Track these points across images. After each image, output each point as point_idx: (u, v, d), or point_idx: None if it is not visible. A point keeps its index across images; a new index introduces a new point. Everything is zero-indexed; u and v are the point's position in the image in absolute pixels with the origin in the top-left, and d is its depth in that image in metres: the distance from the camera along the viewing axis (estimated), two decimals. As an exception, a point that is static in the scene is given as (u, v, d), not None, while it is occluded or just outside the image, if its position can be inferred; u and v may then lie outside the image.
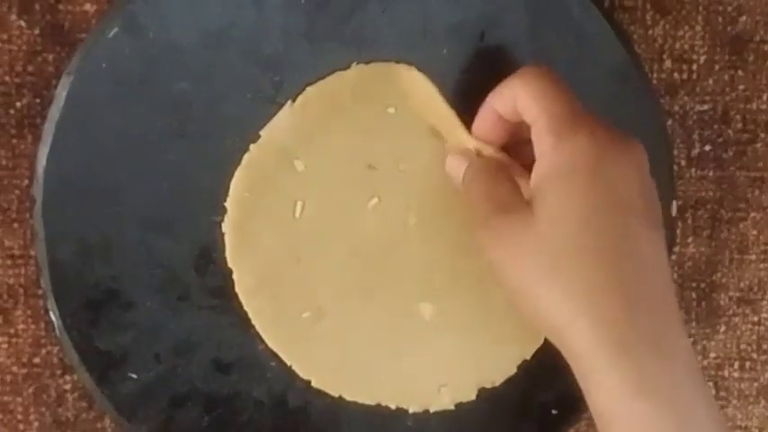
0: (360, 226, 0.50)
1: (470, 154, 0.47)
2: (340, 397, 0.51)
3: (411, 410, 0.52)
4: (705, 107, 0.55)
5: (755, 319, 0.57)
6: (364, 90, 0.49)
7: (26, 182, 0.52)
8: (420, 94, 0.48)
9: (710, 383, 0.58)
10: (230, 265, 0.50)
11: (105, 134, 0.49)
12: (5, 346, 0.54)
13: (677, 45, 0.54)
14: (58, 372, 0.54)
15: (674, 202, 0.51)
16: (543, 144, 0.43)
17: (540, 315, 0.42)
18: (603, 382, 0.40)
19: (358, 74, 0.48)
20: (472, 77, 0.49)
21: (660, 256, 0.42)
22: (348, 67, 0.48)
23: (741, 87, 0.55)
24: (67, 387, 0.54)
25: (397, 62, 0.49)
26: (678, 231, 0.55)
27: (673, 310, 0.42)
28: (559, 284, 0.41)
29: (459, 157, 0.47)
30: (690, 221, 0.56)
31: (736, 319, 0.57)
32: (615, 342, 0.40)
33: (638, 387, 0.39)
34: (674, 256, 0.55)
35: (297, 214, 0.49)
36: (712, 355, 0.57)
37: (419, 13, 0.49)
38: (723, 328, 0.57)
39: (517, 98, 0.44)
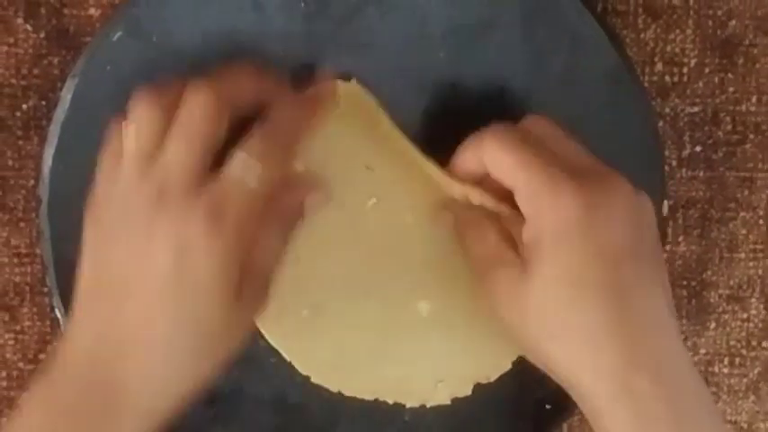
0: (358, 225, 0.50)
1: (455, 207, 0.48)
2: (339, 392, 0.52)
3: (408, 405, 0.52)
4: (696, 109, 0.55)
5: (744, 316, 0.57)
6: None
7: (32, 182, 0.53)
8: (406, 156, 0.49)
9: (701, 379, 0.59)
10: (232, 262, 0.51)
11: (110, 135, 0.49)
12: (12, 342, 0.54)
13: (668, 48, 0.54)
14: (64, 368, 0.55)
15: (665, 202, 0.52)
16: (528, 209, 0.43)
17: (548, 367, 0.44)
18: (610, 418, 0.42)
19: (345, 89, 0.48)
20: (469, 80, 0.49)
21: (654, 293, 0.43)
22: (348, 75, 0.48)
23: (731, 90, 0.55)
24: (72, 383, 0.55)
25: (395, 68, 0.49)
26: (669, 230, 0.56)
27: (673, 342, 0.43)
28: (557, 342, 0.43)
29: (446, 213, 0.48)
30: (681, 221, 0.56)
31: (726, 316, 0.57)
32: (617, 386, 0.41)
33: (641, 424, 0.41)
34: (665, 255, 0.55)
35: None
36: (702, 351, 0.57)
37: (417, 18, 0.49)
38: (713, 325, 0.57)
39: (488, 167, 0.44)
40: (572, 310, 0.42)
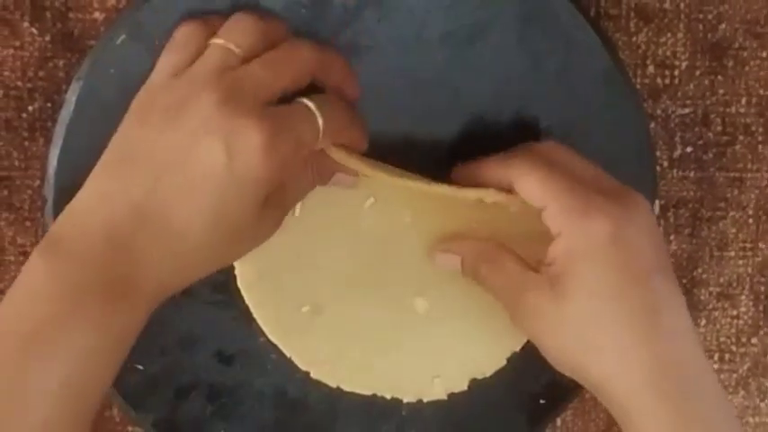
0: (357, 224, 0.50)
1: (459, 247, 0.49)
2: (338, 387, 0.52)
3: (405, 400, 0.53)
4: (686, 111, 0.55)
5: (734, 313, 0.58)
6: None
7: (38, 182, 0.53)
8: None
9: (692, 375, 0.59)
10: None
11: (113, 136, 0.49)
12: None
13: (660, 51, 0.55)
14: (69, 363, 0.55)
15: (657, 202, 0.52)
16: (559, 226, 0.44)
17: (581, 378, 0.45)
18: (646, 424, 0.43)
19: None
20: (466, 82, 0.50)
21: (676, 301, 0.45)
22: None
23: (721, 92, 0.55)
24: (77, 378, 0.56)
25: (394, 71, 0.49)
26: (661, 229, 0.56)
27: (695, 345, 0.45)
28: (592, 354, 0.44)
29: (448, 255, 0.49)
30: (672, 220, 0.56)
31: (716, 313, 0.58)
32: (649, 393, 0.43)
33: (677, 426, 0.42)
34: None
35: (296, 212, 0.50)
36: None
37: (414, 22, 0.49)
38: (704, 322, 0.58)
39: (517, 185, 0.45)
40: (607, 323, 0.43)
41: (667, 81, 0.55)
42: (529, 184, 0.45)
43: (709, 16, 0.54)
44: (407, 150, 0.51)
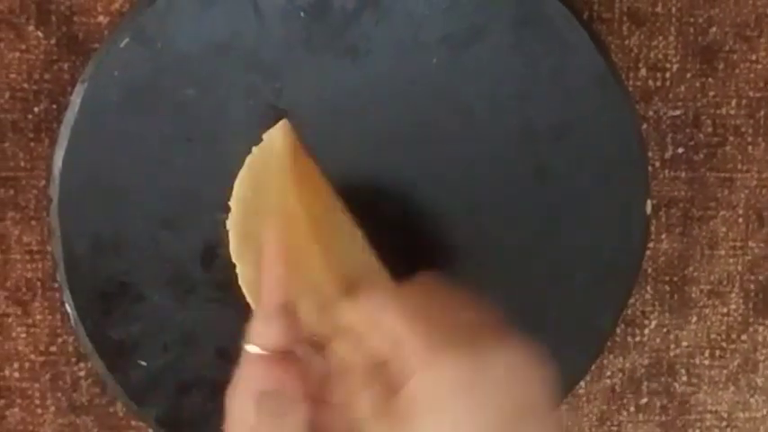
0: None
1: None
2: None
3: None
4: (678, 112, 0.56)
5: (724, 310, 0.58)
6: None
7: (43, 182, 0.54)
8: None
9: (683, 370, 0.58)
10: (234, 259, 0.49)
11: (117, 138, 0.50)
12: (24, 335, 0.55)
13: (652, 54, 0.55)
14: (73, 359, 0.56)
15: (649, 201, 0.52)
16: (415, 361, 0.39)
17: None
18: None
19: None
20: (462, 85, 0.50)
21: None
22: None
23: (711, 94, 0.56)
24: (82, 374, 0.56)
25: (391, 73, 0.49)
26: (653, 228, 0.56)
27: None
28: None
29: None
30: (663, 219, 0.57)
31: (707, 311, 0.58)
32: None
33: None
34: (648, 252, 0.55)
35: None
36: (684, 343, 0.58)
37: (411, 25, 0.49)
38: (695, 319, 0.58)
39: (377, 321, 0.41)
40: None
41: (659, 83, 0.55)
42: (383, 322, 0.41)
43: (700, 20, 0.55)
44: (405, 151, 0.51)
